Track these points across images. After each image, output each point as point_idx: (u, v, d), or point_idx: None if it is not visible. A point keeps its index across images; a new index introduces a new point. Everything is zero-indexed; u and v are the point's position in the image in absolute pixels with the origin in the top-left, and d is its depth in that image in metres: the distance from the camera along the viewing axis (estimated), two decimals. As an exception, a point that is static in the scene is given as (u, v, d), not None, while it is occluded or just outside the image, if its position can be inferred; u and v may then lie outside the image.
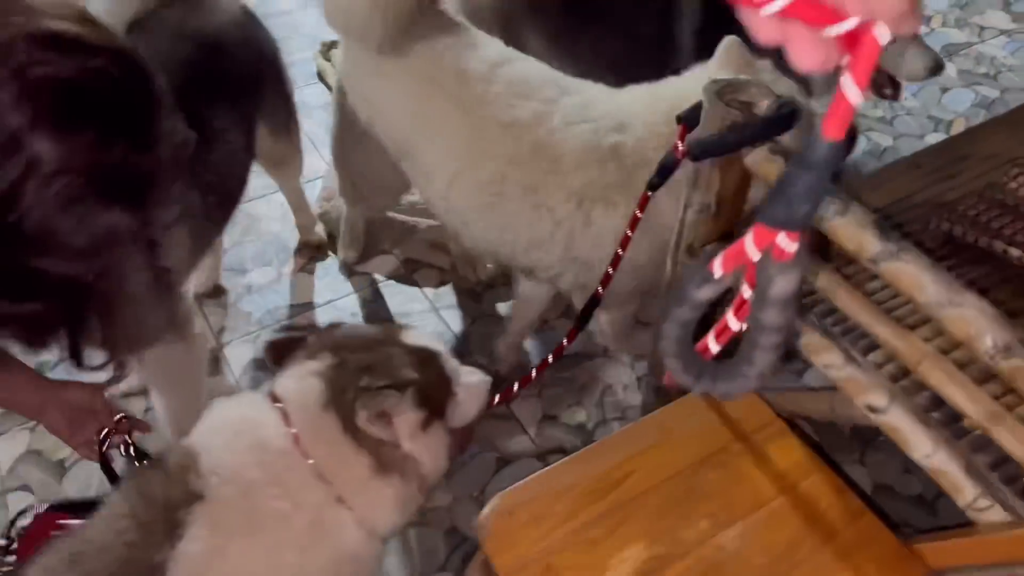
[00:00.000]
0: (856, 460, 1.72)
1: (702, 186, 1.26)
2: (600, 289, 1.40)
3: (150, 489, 0.91)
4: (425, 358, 1.03)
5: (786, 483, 1.10)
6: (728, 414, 1.17)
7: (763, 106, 1.17)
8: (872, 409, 1.11)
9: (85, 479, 1.69)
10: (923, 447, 1.06)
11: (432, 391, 1.00)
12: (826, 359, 1.15)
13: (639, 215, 1.31)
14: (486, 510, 1.06)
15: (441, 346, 1.06)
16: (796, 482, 1.10)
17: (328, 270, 2.18)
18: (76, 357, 0.90)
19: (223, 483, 0.90)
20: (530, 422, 1.84)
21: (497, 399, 1.18)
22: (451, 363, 1.07)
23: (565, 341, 1.42)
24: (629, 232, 1.33)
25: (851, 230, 1.01)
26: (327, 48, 2.91)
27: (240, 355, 1.95)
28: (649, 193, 1.29)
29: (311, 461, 0.93)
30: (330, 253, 2.21)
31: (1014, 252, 1.34)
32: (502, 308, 2.07)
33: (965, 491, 1.02)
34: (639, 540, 1.03)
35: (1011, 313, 1.20)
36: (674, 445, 1.14)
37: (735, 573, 1.00)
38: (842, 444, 1.72)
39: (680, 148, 1.22)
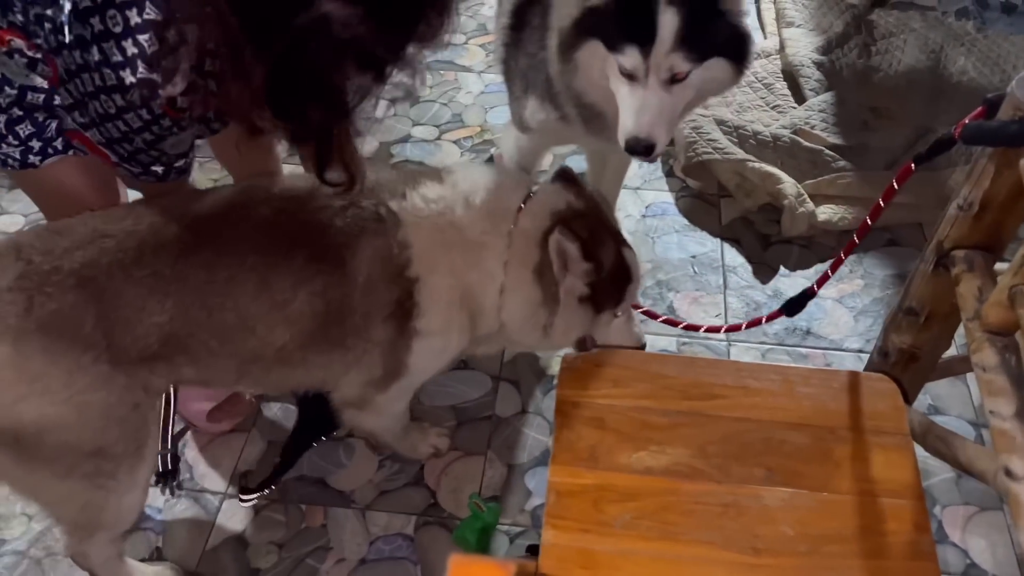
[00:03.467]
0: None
1: (973, 179, 1.13)
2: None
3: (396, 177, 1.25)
4: (621, 272, 1.24)
5: (870, 489, 1.01)
6: (862, 406, 1.09)
7: (1079, 112, 0.99)
8: (1009, 473, 0.95)
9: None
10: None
11: (600, 292, 1.22)
12: (996, 404, 1.00)
13: (895, 187, 1.21)
14: (578, 354, 1.15)
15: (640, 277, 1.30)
16: (881, 495, 1.00)
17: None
18: (321, 165, 1.15)
19: (458, 203, 1.21)
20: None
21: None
22: (632, 294, 1.29)
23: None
24: (882, 203, 1.24)
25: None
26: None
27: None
28: (912, 166, 1.18)
29: (510, 229, 1.21)
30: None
31: None
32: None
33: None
34: (686, 447, 1.05)
35: None
36: (785, 399, 1.10)
37: (754, 523, 0.98)
38: None
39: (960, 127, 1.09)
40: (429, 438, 1.61)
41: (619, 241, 1.27)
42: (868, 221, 1.27)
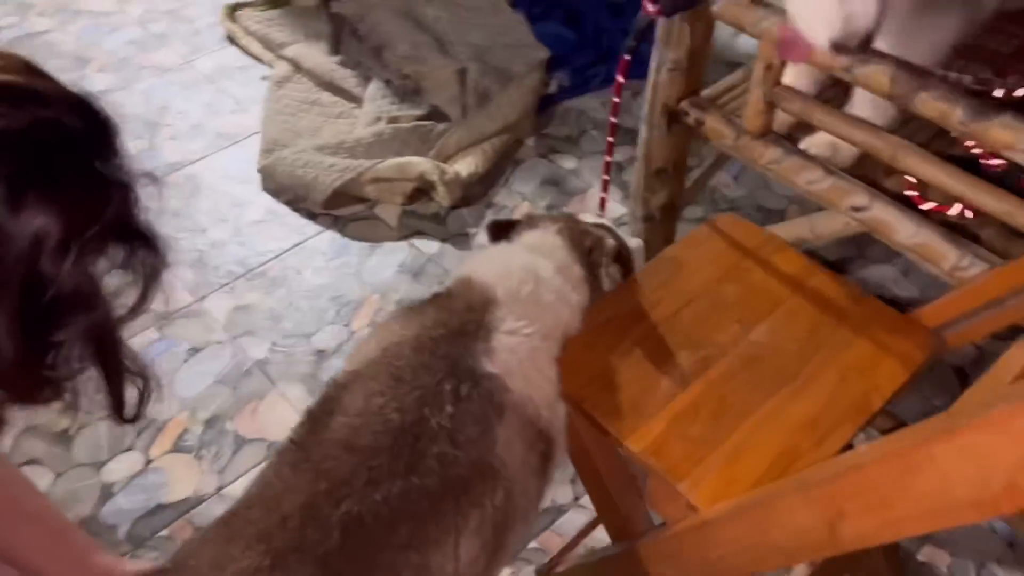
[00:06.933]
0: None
1: (672, 44, 1.38)
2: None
3: (451, 302, 1.09)
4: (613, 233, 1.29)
5: (795, 284, 1.22)
6: (732, 239, 1.30)
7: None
8: (856, 208, 1.25)
9: (94, 443, 1.68)
10: (907, 229, 1.21)
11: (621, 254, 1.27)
12: (807, 176, 1.29)
13: (621, 80, 1.39)
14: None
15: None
16: (803, 282, 1.23)
17: (285, 218, 2.20)
18: (118, 404, 0.81)
19: (512, 292, 1.11)
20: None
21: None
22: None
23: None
24: (616, 99, 1.39)
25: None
26: (231, 10, 2.89)
27: (219, 306, 1.95)
28: (627, 57, 1.38)
29: (560, 279, 1.17)
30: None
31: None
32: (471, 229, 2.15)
33: (948, 256, 1.18)
34: (682, 349, 1.14)
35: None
36: (691, 271, 1.25)
37: (772, 360, 1.13)
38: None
39: (651, 8, 1.32)
40: None
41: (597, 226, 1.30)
42: (620, 78, 1.33)
